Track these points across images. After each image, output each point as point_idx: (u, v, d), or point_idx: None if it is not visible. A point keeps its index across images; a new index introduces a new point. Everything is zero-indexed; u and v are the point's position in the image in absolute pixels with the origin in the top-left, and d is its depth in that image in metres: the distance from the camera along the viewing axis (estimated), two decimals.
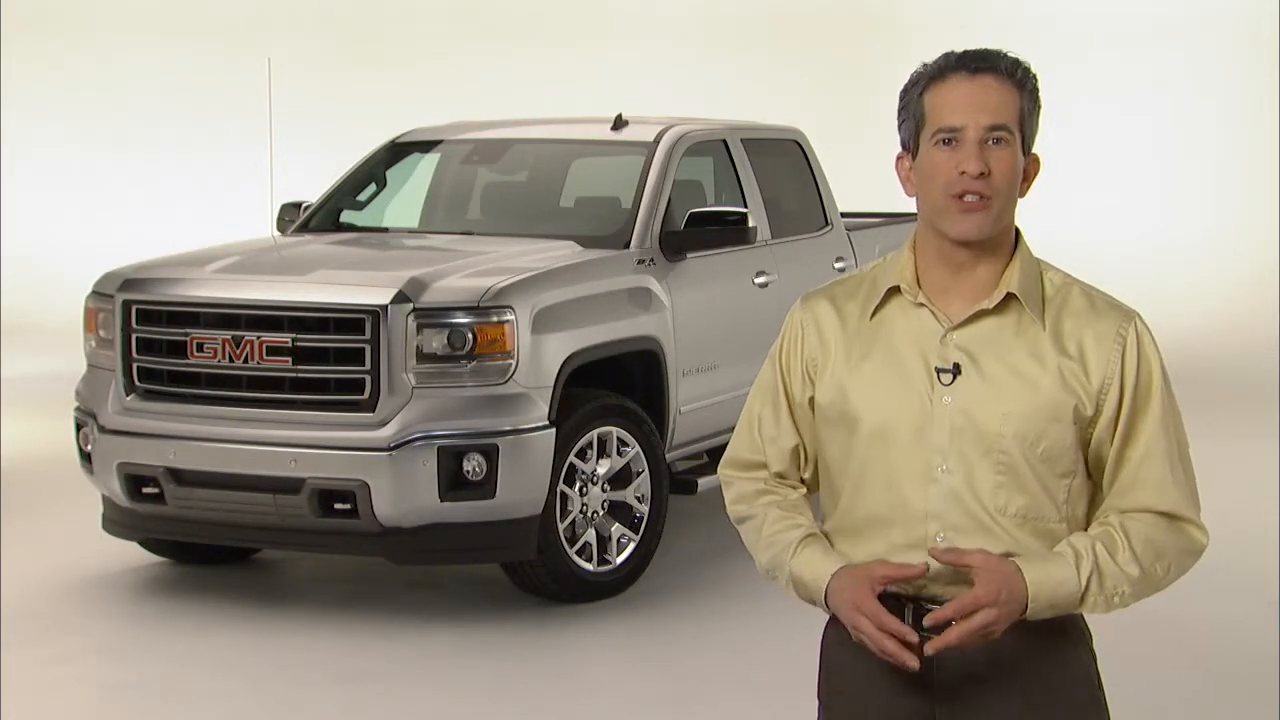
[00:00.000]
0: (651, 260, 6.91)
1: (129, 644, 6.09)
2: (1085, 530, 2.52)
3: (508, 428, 6.00)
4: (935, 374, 2.48)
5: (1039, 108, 2.50)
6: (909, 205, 2.55)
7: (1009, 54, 2.48)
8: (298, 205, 7.92)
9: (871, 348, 2.54)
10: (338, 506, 6.00)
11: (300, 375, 6.07)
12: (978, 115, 2.43)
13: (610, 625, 6.19)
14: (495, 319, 6.03)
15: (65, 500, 7.84)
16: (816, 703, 2.69)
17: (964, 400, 2.47)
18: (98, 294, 6.59)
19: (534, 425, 6.06)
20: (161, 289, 6.38)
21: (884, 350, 2.53)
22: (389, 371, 5.96)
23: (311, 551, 6.78)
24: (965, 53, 2.49)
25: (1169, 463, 2.49)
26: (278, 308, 6.14)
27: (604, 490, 6.47)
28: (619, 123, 7.68)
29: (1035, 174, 2.53)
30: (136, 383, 6.36)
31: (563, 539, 6.26)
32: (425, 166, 8.09)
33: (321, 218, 7.73)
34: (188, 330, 6.25)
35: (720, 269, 7.30)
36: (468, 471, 5.96)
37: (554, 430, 6.12)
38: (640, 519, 6.55)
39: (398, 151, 8.05)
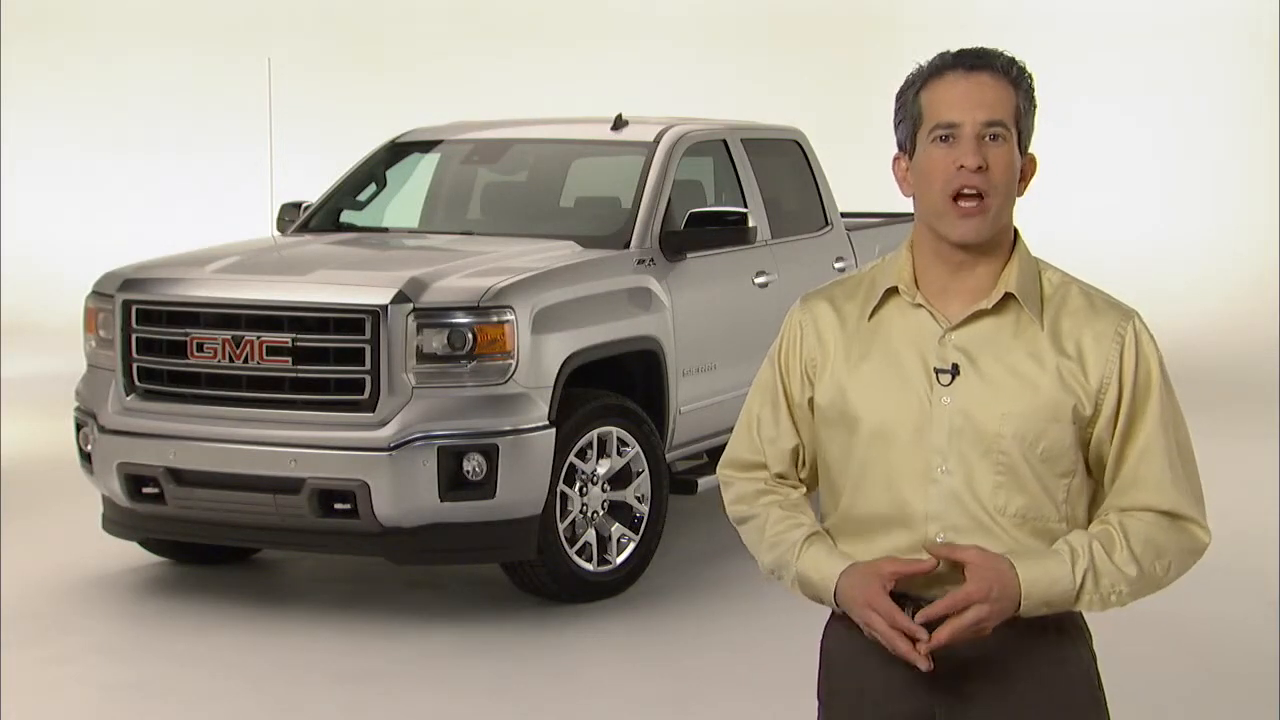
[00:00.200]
0: (651, 260, 6.91)
1: (129, 644, 6.10)
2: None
3: (508, 428, 6.00)
4: (934, 374, 2.48)
5: (1035, 107, 2.50)
6: (908, 205, 2.55)
7: (1005, 53, 2.49)
8: (298, 205, 7.92)
9: (870, 348, 2.54)
10: (338, 506, 6.00)
11: (300, 375, 6.07)
12: (974, 111, 2.43)
13: (610, 625, 6.19)
14: (495, 319, 6.03)
15: (65, 500, 7.84)
16: (816, 703, 2.69)
17: (963, 401, 2.47)
18: (98, 294, 6.59)
19: (534, 425, 6.06)
20: (161, 289, 6.38)
21: (883, 351, 2.53)
22: (389, 371, 5.96)
23: (311, 551, 6.78)
24: (961, 51, 2.49)
25: (1168, 461, 2.49)
26: (278, 308, 6.14)
27: (604, 490, 6.47)
28: (619, 123, 7.68)
29: (1032, 174, 2.53)
30: (136, 383, 6.36)
31: (563, 539, 6.26)
32: (425, 166, 8.09)
33: (321, 218, 7.73)
34: (188, 330, 6.25)
35: (720, 269, 7.29)
36: (468, 471, 5.96)
37: (554, 430, 6.12)
38: (640, 519, 6.55)
39: (398, 151, 8.05)
